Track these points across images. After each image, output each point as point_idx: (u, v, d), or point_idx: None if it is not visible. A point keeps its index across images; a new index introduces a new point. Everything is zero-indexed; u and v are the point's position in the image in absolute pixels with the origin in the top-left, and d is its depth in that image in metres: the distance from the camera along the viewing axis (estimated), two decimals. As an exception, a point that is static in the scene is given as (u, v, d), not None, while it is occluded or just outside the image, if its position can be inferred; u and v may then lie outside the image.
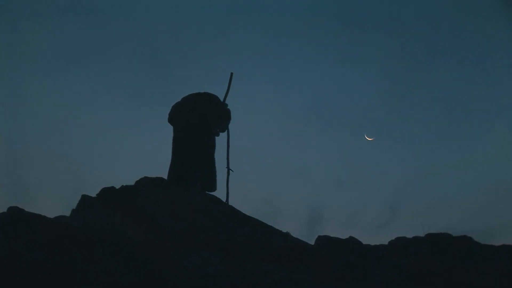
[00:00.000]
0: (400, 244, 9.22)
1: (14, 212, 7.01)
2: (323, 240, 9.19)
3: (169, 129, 12.35)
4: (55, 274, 5.75)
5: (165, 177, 11.63)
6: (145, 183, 11.00)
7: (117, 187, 10.41)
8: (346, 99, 33.54)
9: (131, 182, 11.00)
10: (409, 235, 9.49)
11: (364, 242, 9.36)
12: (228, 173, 12.35)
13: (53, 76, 30.45)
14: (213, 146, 12.25)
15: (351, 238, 9.22)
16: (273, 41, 33.22)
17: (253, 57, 33.76)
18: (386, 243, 9.58)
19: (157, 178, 11.36)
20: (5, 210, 7.24)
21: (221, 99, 12.50)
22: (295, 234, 9.89)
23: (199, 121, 11.98)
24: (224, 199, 11.93)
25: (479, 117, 30.98)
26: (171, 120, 12.30)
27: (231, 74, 12.58)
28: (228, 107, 12.55)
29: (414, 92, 32.87)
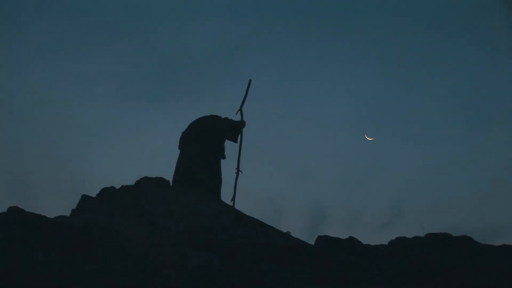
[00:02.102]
0: (400, 244, 9.21)
1: (14, 212, 7.02)
2: (323, 240, 9.18)
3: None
4: (55, 274, 5.75)
5: (165, 177, 11.67)
6: (145, 183, 11.00)
7: (117, 187, 10.41)
8: (348, 99, 33.55)
9: (131, 182, 11.03)
10: (410, 235, 9.48)
11: (367, 242, 9.35)
12: (237, 175, 12.44)
13: (54, 75, 30.47)
14: (220, 162, 12.52)
15: (351, 238, 9.20)
16: (276, 41, 33.25)
17: (256, 56, 33.81)
18: (386, 243, 9.57)
19: (157, 178, 11.37)
20: (5, 210, 7.24)
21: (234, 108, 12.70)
22: (298, 233, 9.90)
23: (207, 148, 12.21)
24: (230, 199, 12.05)
25: (480, 117, 31.01)
26: (181, 147, 12.56)
27: (249, 81, 12.74)
28: (243, 117, 12.76)
29: (417, 92, 32.90)
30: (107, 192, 10.01)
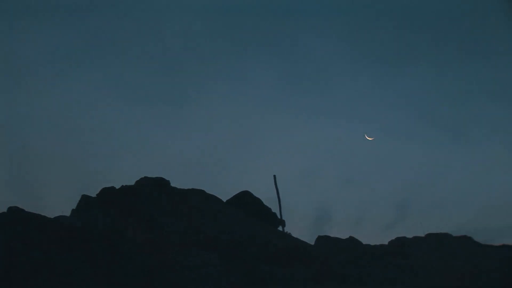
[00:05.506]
0: (400, 244, 9.23)
1: (14, 212, 7.03)
2: (323, 240, 9.19)
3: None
4: (55, 274, 5.75)
5: (165, 177, 11.68)
6: (145, 183, 11.00)
7: (117, 187, 10.41)
8: (350, 99, 33.47)
9: (131, 182, 11.02)
10: (410, 235, 9.50)
11: (369, 242, 9.38)
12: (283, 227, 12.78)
13: (57, 76, 30.45)
14: None
15: (351, 238, 9.22)
16: (280, 41, 33.20)
17: (260, 56, 33.79)
18: (386, 243, 9.59)
19: (157, 178, 11.36)
20: (5, 210, 7.25)
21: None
22: (302, 233, 9.91)
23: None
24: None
25: (482, 118, 30.99)
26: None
27: (274, 176, 13.00)
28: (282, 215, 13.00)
29: (419, 92, 32.88)
30: (107, 192, 10.01)
